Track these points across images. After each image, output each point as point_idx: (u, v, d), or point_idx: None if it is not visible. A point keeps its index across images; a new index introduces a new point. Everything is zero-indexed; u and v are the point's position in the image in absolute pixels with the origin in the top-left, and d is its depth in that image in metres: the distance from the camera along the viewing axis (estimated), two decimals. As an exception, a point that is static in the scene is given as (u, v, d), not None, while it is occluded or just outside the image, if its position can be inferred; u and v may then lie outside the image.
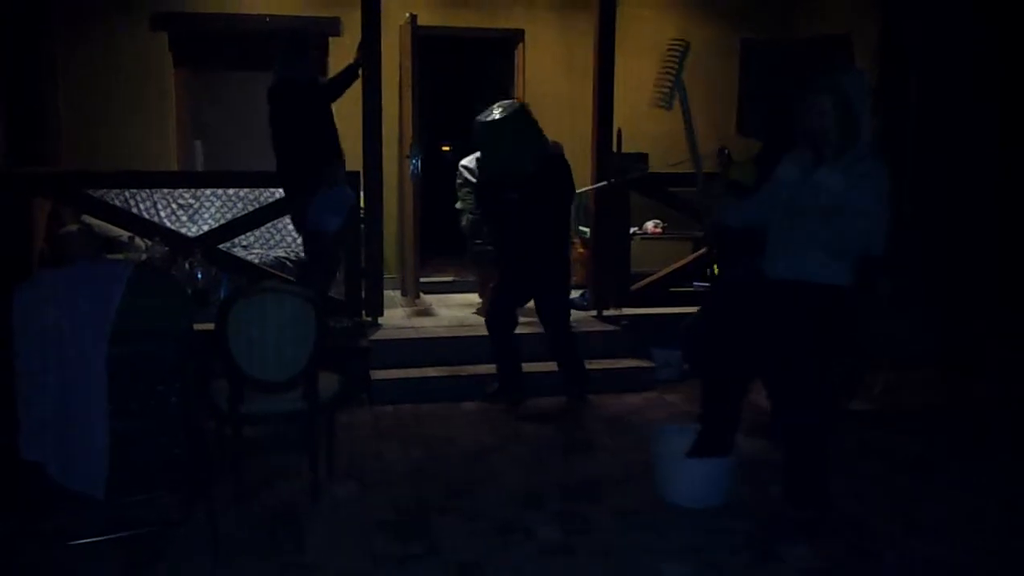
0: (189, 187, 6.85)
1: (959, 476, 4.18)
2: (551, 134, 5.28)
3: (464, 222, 6.23)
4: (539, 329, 5.29)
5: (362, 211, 5.79)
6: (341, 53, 5.13)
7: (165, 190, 6.80)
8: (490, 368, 5.34)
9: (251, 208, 6.55)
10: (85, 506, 3.33)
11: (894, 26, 6.47)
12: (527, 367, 5.27)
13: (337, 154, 5.27)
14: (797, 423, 3.48)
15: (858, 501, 3.84)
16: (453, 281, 7.71)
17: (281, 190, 5.50)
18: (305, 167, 5.16)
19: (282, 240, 6.88)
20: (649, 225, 7.49)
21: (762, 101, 6.79)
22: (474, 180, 5.97)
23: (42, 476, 3.21)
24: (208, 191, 6.90)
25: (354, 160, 5.78)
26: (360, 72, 5.51)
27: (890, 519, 3.67)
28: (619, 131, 6.19)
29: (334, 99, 5.38)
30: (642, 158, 6.74)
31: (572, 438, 4.68)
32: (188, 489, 3.63)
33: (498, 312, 5.18)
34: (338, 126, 5.38)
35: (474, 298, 6.90)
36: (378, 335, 5.68)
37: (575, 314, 5.61)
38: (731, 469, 3.80)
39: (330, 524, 3.56)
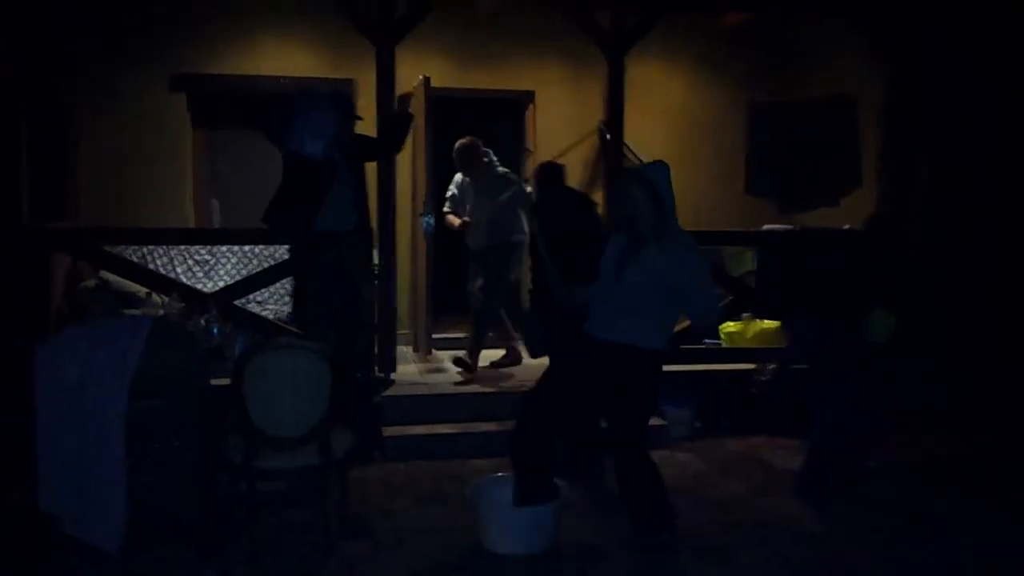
0: (205, 244, 6.93)
1: (961, 527, 4.18)
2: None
3: None
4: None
5: (376, 268, 5.85)
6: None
7: (182, 246, 6.89)
8: (501, 425, 5.34)
9: (266, 264, 6.62)
10: (98, 560, 3.33)
11: (900, 88, 6.56)
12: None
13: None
14: (628, 462, 3.84)
15: (873, 561, 3.82)
16: (464, 337, 7.73)
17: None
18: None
19: (296, 296, 6.92)
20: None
21: (770, 161, 6.91)
22: None
23: (58, 530, 3.23)
24: (224, 248, 6.98)
25: (369, 217, 5.86)
26: (406, 118, 5.43)
27: (896, 573, 3.65)
28: (629, 190, 6.25)
29: (396, 149, 5.45)
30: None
31: (586, 498, 4.65)
32: (202, 545, 3.64)
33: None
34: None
35: (485, 354, 6.90)
36: (390, 391, 5.68)
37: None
38: (554, 515, 3.90)
39: (343, 582, 3.55)
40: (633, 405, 3.84)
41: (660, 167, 3.85)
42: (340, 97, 5.32)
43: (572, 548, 3.93)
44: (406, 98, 5.45)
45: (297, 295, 5.31)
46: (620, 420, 3.87)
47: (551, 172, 5.26)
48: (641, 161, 6.64)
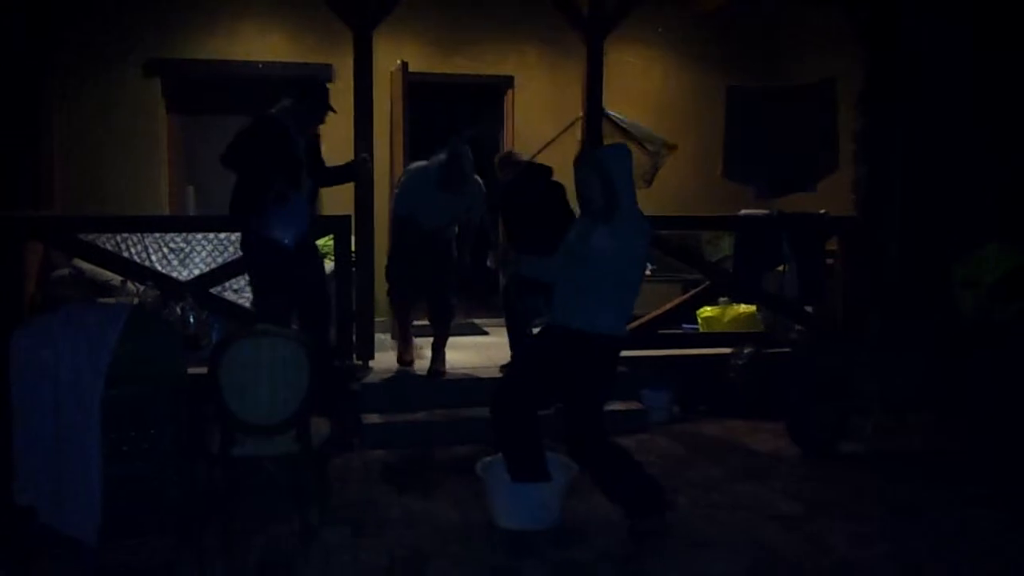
0: (180, 231, 6.88)
1: (950, 520, 4.20)
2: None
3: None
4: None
5: (353, 254, 5.82)
6: (334, 99, 5.19)
7: (156, 234, 6.83)
8: (481, 411, 5.34)
9: (242, 252, 6.56)
10: (75, 551, 3.31)
11: (881, 68, 6.53)
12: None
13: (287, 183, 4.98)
14: (587, 451, 3.81)
15: (850, 544, 3.86)
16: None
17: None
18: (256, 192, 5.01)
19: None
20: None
21: (747, 146, 6.93)
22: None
23: (33, 521, 3.21)
24: (199, 235, 6.93)
25: (346, 204, 5.83)
26: (355, 176, 5.58)
27: (884, 563, 3.68)
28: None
29: (323, 182, 5.49)
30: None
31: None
32: (178, 533, 3.63)
33: None
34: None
35: (464, 341, 6.90)
36: (369, 378, 5.68)
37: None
38: (558, 493, 3.97)
39: (322, 571, 3.54)
40: (584, 393, 3.80)
41: (614, 149, 3.86)
42: (316, 85, 5.21)
43: (553, 530, 3.94)
44: (367, 162, 5.58)
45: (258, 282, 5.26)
46: (574, 409, 3.83)
47: (510, 160, 5.65)
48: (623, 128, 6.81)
